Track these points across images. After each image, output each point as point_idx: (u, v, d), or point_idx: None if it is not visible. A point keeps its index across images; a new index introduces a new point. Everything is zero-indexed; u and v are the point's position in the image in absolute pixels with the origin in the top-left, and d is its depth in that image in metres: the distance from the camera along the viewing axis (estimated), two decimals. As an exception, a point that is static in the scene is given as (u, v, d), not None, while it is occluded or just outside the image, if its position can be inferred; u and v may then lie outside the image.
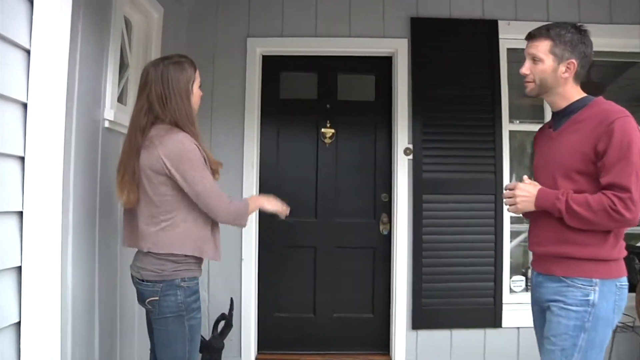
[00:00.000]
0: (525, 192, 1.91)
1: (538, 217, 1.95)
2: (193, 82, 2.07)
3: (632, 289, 3.22)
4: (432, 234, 3.56)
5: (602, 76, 4.25)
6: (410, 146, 3.60)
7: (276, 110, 3.80)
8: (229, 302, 3.37)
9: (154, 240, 1.97)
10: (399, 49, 3.66)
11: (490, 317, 3.51)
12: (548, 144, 2.02)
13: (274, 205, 2.26)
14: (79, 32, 2.08)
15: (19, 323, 1.61)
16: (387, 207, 3.76)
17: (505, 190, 1.99)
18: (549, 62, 1.89)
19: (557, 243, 1.87)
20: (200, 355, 3.15)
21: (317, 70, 3.85)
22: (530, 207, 1.91)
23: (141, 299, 2.05)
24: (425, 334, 3.58)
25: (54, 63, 1.72)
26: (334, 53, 3.77)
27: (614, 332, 2.79)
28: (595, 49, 3.83)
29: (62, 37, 1.76)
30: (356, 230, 3.80)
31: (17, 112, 1.61)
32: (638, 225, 1.85)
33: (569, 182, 1.85)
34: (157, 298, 1.97)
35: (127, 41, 2.77)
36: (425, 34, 3.62)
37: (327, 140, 3.81)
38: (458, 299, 3.52)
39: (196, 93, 2.11)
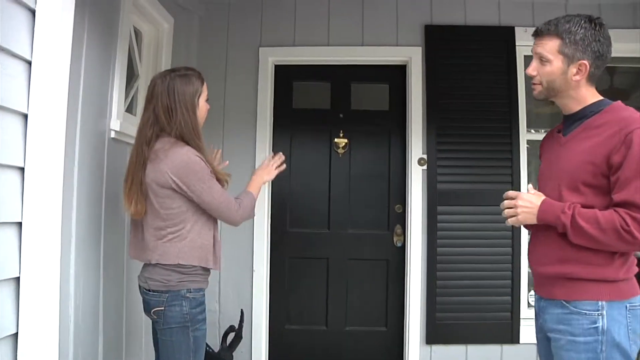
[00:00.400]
0: (528, 202, 1.74)
1: (539, 232, 1.80)
2: (200, 95, 2.09)
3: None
4: (447, 247, 3.50)
5: (627, 83, 4.16)
6: (425, 156, 3.56)
7: (289, 120, 3.80)
8: (239, 313, 3.36)
9: (161, 251, 2.00)
10: (412, 58, 3.62)
11: (507, 332, 3.42)
12: (556, 150, 1.84)
13: (269, 173, 2.36)
14: (84, 43, 2.11)
15: (16, 334, 1.61)
16: (401, 219, 3.71)
17: (505, 199, 1.81)
18: (557, 63, 1.71)
19: (559, 262, 1.70)
20: (209, 367, 3.15)
21: (330, 79, 3.84)
22: (532, 219, 1.73)
23: (147, 309, 2.08)
24: (439, 349, 3.51)
25: (55, 74, 1.73)
26: (346, 62, 3.75)
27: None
28: (618, 54, 3.76)
29: (63, 49, 1.77)
30: (369, 242, 3.77)
31: (18, 123, 1.62)
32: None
33: (575, 195, 1.68)
34: (162, 308, 2.00)
35: (136, 51, 2.80)
36: (440, 42, 3.59)
37: (340, 151, 3.78)
38: (474, 313, 3.45)
39: (202, 106, 2.12)
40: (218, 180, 2.07)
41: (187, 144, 2.02)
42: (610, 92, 4.09)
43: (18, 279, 1.62)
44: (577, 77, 1.69)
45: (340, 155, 3.79)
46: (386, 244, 3.74)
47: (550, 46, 1.70)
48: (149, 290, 2.04)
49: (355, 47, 3.66)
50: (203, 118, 2.16)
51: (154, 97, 2.04)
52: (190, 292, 2.02)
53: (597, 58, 1.68)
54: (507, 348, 3.44)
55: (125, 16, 2.48)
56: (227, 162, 2.48)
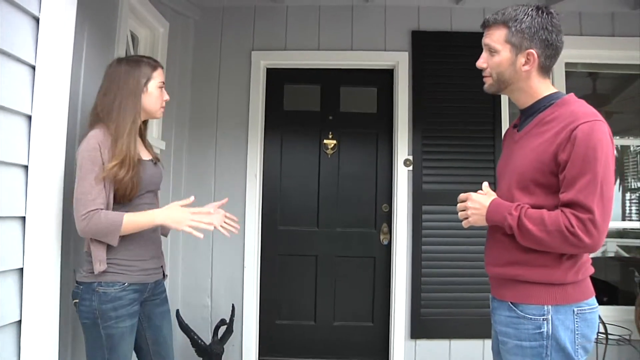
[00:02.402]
0: (477, 203, 1.66)
1: (493, 232, 1.71)
2: (148, 80, 1.97)
3: (633, 301, 3.26)
4: (432, 245, 3.59)
5: (608, 88, 4.28)
6: (411, 157, 3.64)
7: (280, 121, 3.88)
8: (230, 308, 3.44)
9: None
10: (399, 62, 3.71)
11: (489, 327, 3.44)
12: (510, 147, 1.74)
13: (179, 223, 1.87)
14: (84, 48, 2.20)
15: (19, 321, 1.70)
16: (388, 218, 3.80)
17: (459, 201, 1.74)
18: (505, 53, 1.62)
19: (508, 264, 1.62)
20: (201, 359, 3.24)
21: (320, 82, 3.92)
22: (482, 220, 1.65)
23: None
24: (424, 344, 3.60)
25: (57, 78, 1.84)
26: (336, 66, 3.83)
27: (606, 345, 2.83)
28: (598, 60, 3.87)
29: (65, 54, 1.88)
30: (357, 240, 3.85)
31: (22, 124, 1.72)
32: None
33: (525, 195, 1.60)
34: (77, 300, 1.88)
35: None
36: (426, 47, 3.67)
37: (329, 151, 3.87)
38: (457, 309, 3.53)
39: (153, 93, 1.99)
40: (121, 184, 1.84)
41: (107, 126, 1.87)
42: (592, 96, 4.22)
43: (22, 269, 1.71)
44: (527, 67, 1.61)
45: (329, 156, 3.87)
46: (373, 242, 3.83)
47: (497, 36, 1.63)
48: (75, 281, 1.93)
49: (344, 51, 3.74)
50: (155, 105, 2.02)
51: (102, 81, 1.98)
52: (102, 286, 1.84)
53: (546, 47, 1.59)
54: (489, 342, 3.46)
55: (122, 21, 2.57)
56: (227, 199, 2.32)
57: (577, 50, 3.64)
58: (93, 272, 1.82)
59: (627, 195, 5.29)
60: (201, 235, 1.86)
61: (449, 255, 3.56)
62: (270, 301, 3.83)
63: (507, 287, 1.64)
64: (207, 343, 3.28)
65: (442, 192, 3.54)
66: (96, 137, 1.83)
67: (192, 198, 1.94)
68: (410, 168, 3.65)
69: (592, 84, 4.23)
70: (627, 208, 5.15)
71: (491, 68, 1.67)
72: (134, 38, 2.92)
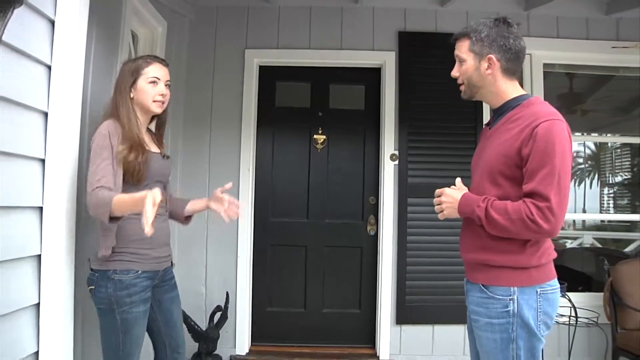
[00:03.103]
0: (450, 197, 1.83)
1: (466, 223, 1.88)
2: (139, 75, 2.06)
3: (601, 288, 3.47)
4: (416, 235, 3.74)
5: (584, 87, 4.47)
6: (397, 152, 3.79)
7: (272, 117, 3.99)
8: (224, 296, 3.58)
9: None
10: (386, 61, 3.85)
11: None
12: (483, 143, 1.91)
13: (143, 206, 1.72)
14: (92, 48, 2.31)
15: (38, 304, 1.83)
16: (375, 210, 3.95)
17: (435, 196, 1.91)
18: (470, 61, 1.81)
19: (479, 250, 1.79)
20: (198, 344, 3.38)
21: (311, 80, 4.04)
22: (455, 213, 1.82)
23: None
24: (408, 329, 3.76)
25: (71, 77, 1.96)
26: (326, 64, 3.96)
27: (575, 326, 3.03)
28: (574, 62, 4.05)
29: (78, 54, 2.00)
30: (345, 231, 3.99)
31: (39, 120, 1.84)
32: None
33: (494, 187, 1.75)
34: (93, 287, 1.97)
35: (133, 54, 3.00)
36: (412, 47, 3.82)
37: (319, 146, 4.01)
38: (440, 296, 3.68)
39: (142, 87, 2.06)
40: (129, 167, 1.95)
41: (118, 119, 2.00)
42: (569, 95, 4.42)
43: (39, 256, 1.84)
44: (490, 71, 1.78)
45: (319, 151, 4.01)
46: (360, 233, 3.98)
47: (463, 47, 1.83)
48: (90, 268, 2.02)
49: (334, 50, 3.87)
50: (144, 99, 2.07)
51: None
52: (117, 274, 1.94)
53: (505, 51, 1.76)
54: (469, 328, 3.72)
55: (126, 22, 2.69)
56: (231, 183, 2.32)
57: (554, 52, 3.85)
58: (108, 260, 1.93)
59: (605, 190, 5.50)
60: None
61: (433, 245, 3.71)
62: (262, 289, 3.95)
63: (478, 271, 1.80)
64: (203, 329, 3.43)
65: (427, 185, 3.53)
66: (107, 126, 1.95)
67: (230, 184, 2.24)
68: (396, 162, 3.80)
69: (570, 83, 4.42)
70: (605, 202, 5.38)
71: (462, 75, 1.86)
72: (134, 37, 3.03)
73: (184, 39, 3.78)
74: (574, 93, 4.46)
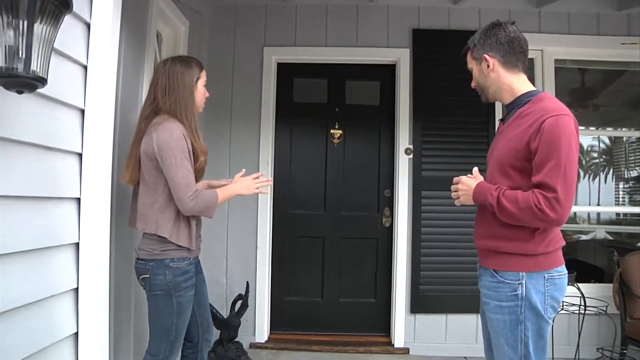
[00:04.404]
0: (466, 186, 1.95)
1: (480, 211, 1.99)
2: (198, 79, 2.23)
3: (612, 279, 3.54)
4: (430, 227, 3.83)
5: (595, 82, 4.50)
6: (411, 146, 3.89)
7: (289, 112, 4.11)
8: (244, 285, 3.70)
9: (147, 220, 2.14)
10: (401, 58, 3.94)
11: None
12: (497, 137, 2.02)
13: (248, 189, 2.32)
14: (122, 49, 2.42)
15: (77, 288, 1.94)
16: (390, 202, 4.05)
17: (453, 184, 2.03)
18: (475, 67, 1.99)
19: (490, 237, 1.89)
20: (220, 331, 3.50)
21: (327, 76, 4.15)
22: (470, 200, 1.94)
23: (137, 277, 2.20)
24: (422, 318, 3.86)
25: (105, 76, 2.06)
26: (342, 61, 4.05)
27: (584, 314, 3.12)
28: (585, 57, 4.10)
29: (112, 55, 2.12)
30: (361, 223, 4.09)
31: (76, 117, 1.95)
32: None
33: (504, 178, 1.85)
34: (148, 276, 2.11)
35: (158, 52, 3.13)
36: (425, 44, 3.90)
37: (336, 141, 4.11)
38: (453, 286, 3.78)
39: (200, 90, 2.26)
40: (194, 155, 2.13)
41: (178, 121, 2.12)
42: (581, 90, 4.46)
43: (77, 244, 1.95)
44: (490, 68, 1.92)
45: (335, 145, 4.12)
46: (376, 225, 4.08)
47: (468, 59, 2.02)
48: (138, 259, 2.16)
49: (350, 47, 3.97)
50: (201, 102, 2.28)
51: (156, 79, 2.22)
52: (174, 262, 2.11)
53: (497, 47, 1.90)
54: (482, 317, 3.80)
55: (153, 22, 2.82)
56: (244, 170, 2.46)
57: (565, 48, 3.92)
58: (165, 250, 2.11)
59: (621, 185, 5.52)
60: (267, 191, 2.30)
61: (446, 237, 3.80)
62: (281, 279, 4.07)
63: (490, 257, 1.91)
64: (225, 316, 3.56)
65: (440, 179, 3.72)
66: (179, 129, 2.09)
67: (243, 170, 2.42)
68: (411, 156, 3.90)
69: (582, 78, 4.46)
70: (620, 196, 5.38)
71: (476, 83, 2.03)
72: (158, 36, 3.16)
73: (205, 38, 3.89)
74: (586, 88, 4.49)
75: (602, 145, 5.48)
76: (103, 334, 2.03)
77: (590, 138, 5.09)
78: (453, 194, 2.03)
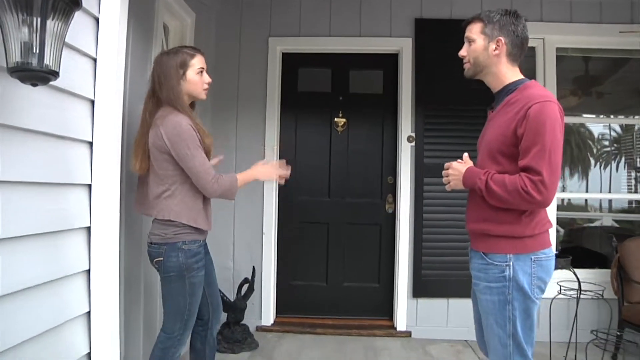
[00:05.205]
0: (456, 171, 2.01)
1: (471, 196, 2.06)
2: (188, 67, 2.29)
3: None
4: (432, 213, 3.91)
5: (600, 70, 4.52)
6: (413, 134, 3.96)
7: (294, 101, 4.19)
8: (251, 270, 3.81)
9: (158, 208, 2.25)
10: (403, 47, 4.00)
11: None
12: (486, 125, 2.10)
13: (267, 175, 2.46)
14: (130, 41, 2.50)
15: (89, 270, 2.04)
16: (392, 189, 4.13)
17: (444, 169, 2.09)
18: (480, 41, 1.97)
19: (480, 221, 1.96)
20: (227, 314, 3.62)
21: (331, 66, 4.22)
22: (460, 185, 2.01)
23: (150, 260, 2.33)
24: (424, 302, 3.96)
25: (114, 68, 2.14)
26: (346, 51, 4.12)
27: (578, 299, 3.18)
28: (587, 46, 4.11)
29: (120, 48, 2.20)
30: (364, 209, 4.18)
31: (87, 107, 2.04)
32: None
33: (494, 164, 1.91)
34: (161, 259, 2.24)
35: (165, 44, 3.21)
36: (428, 33, 3.95)
37: (340, 129, 4.19)
38: (454, 271, 3.84)
39: (191, 78, 2.30)
40: (204, 142, 2.23)
41: (180, 112, 2.21)
42: (585, 78, 4.48)
43: (89, 228, 2.05)
44: (496, 52, 1.94)
45: (339, 133, 4.20)
46: (379, 211, 4.17)
47: (475, 29, 2.00)
48: (151, 243, 2.28)
49: (353, 37, 4.03)
50: (197, 88, 2.33)
51: (152, 71, 2.32)
52: (186, 244, 2.23)
53: (513, 37, 1.94)
54: (483, 301, 3.87)
55: (159, 15, 2.90)
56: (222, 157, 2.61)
57: (567, 36, 3.95)
58: (177, 234, 2.22)
59: (633, 174, 5.52)
60: (283, 182, 2.50)
61: (448, 223, 3.87)
62: (286, 264, 4.18)
63: (480, 240, 1.99)
64: (232, 300, 3.68)
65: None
66: (185, 119, 2.19)
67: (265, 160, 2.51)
68: (413, 144, 3.97)
69: (585, 66, 4.48)
70: (633, 185, 5.40)
71: (469, 55, 2.03)
72: (165, 28, 3.24)
73: (211, 29, 3.97)
74: (590, 76, 4.50)
75: (613, 134, 5.48)
76: (114, 313, 2.13)
77: (601, 126, 5.09)
78: (444, 179, 2.09)
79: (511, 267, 1.88)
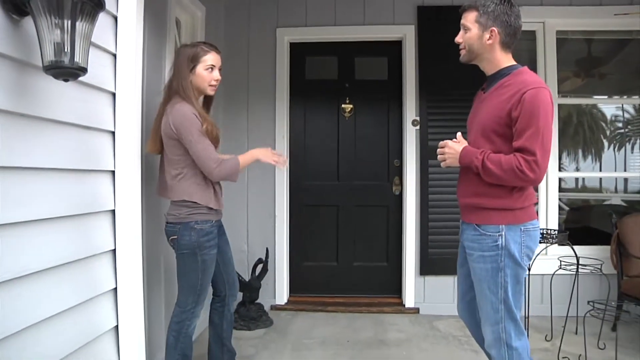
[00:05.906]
0: (452, 149, 2.11)
1: (463, 172, 2.17)
2: (198, 62, 2.42)
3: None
4: (437, 193, 4.03)
5: (602, 51, 4.55)
6: (418, 118, 4.07)
7: (302, 89, 4.32)
8: (264, 252, 3.98)
9: (173, 190, 2.41)
10: (407, 34, 4.10)
11: None
12: (478, 105, 2.18)
13: (267, 157, 2.55)
14: (146, 37, 2.64)
15: (114, 250, 2.21)
16: (399, 171, 4.26)
17: (439, 147, 2.19)
18: (474, 30, 2.05)
19: (474, 195, 2.08)
20: (242, 293, 3.78)
21: (337, 54, 4.34)
22: (456, 163, 2.10)
23: (167, 238, 2.50)
24: (431, 280, 4.10)
25: (133, 62, 2.28)
26: (351, 39, 4.23)
27: (577, 274, 3.30)
28: (588, 28, 4.14)
29: (138, 43, 2.34)
30: (372, 191, 4.32)
31: (109, 100, 2.19)
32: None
33: (487, 142, 2.01)
34: (176, 237, 2.40)
35: (177, 38, 3.35)
36: (430, 20, 4.04)
37: (347, 115, 4.32)
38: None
39: (200, 73, 2.43)
40: (208, 131, 2.35)
41: (186, 102, 2.35)
42: (588, 60, 4.54)
43: (113, 210, 2.21)
44: (490, 41, 2.03)
45: (346, 119, 4.33)
46: (386, 193, 4.30)
47: (470, 17, 2.08)
48: (168, 223, 2.45)
49: (358, 26, 4.14)
50: (201, 83, 2.45)
51: (171, 64, 2.51)
52: (198, 224, 2.37)
53: (506, 27, 2.02)
54: (488, 278, 3.99)
55: (172, 10, 3.05)
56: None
57: (567, 19, 4.02)
58: (191, 214, 2.37)
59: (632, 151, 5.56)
60: (282, 167, 2.58)
61: (452, 202, 3.74)
62: (298, 246, 4.33)
63: (473, 213, 2.12)
64: (247, 279, 3.85)
65: None
66: (189, 108, 2.34)
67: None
68: (418, 127, 4.09)
69: (588, 48, 4.52)
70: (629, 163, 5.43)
71: (465, 42, 2.13)
72: (177, 22, 3.38)
73: (221, 21, 4.11)
74: (592, 57, 4.57)
75: (626, 115, 5.50)
76: (138, 288, 2.29)
77: (614, 107, 5.12)
78: (439, 157, 2.19)
79: (503, 237, 2.01)
